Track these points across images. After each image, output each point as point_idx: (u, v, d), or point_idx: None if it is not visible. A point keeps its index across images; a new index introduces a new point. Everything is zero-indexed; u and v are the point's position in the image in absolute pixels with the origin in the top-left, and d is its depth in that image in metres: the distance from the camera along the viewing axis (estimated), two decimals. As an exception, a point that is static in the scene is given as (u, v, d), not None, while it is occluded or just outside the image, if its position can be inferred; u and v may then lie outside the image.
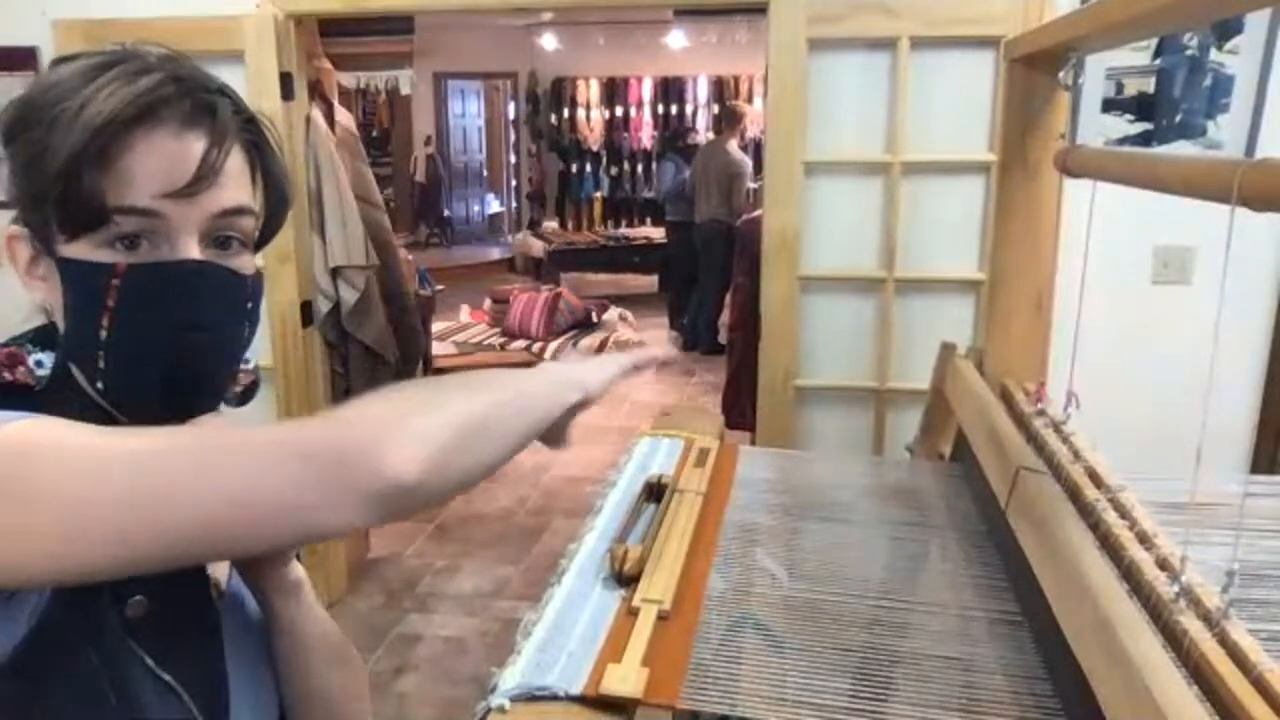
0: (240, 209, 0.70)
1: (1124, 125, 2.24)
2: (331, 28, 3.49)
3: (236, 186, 0.69)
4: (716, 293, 6.23)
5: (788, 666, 1.06)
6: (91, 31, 2.45)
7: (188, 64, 0.70)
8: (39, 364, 0.70)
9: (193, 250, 0.68)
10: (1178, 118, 2.20)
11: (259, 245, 0.74)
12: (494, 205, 11.89)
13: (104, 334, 0.67)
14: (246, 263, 0.72)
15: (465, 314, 6.94)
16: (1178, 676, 0.74)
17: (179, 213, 0.66)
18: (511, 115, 11.45)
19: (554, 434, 0.78)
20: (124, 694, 0.64)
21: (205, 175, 0.66)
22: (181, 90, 0.66)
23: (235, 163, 0.69)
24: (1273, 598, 0.92)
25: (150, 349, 0.68)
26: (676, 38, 9.56)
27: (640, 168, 10.36)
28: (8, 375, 0.69)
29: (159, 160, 0.65)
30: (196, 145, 0.66)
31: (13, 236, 0.70)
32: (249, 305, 0.73)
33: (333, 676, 0.82)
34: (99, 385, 0.69)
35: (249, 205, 0.71)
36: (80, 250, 0.66)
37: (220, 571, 0.79)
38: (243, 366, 0.77)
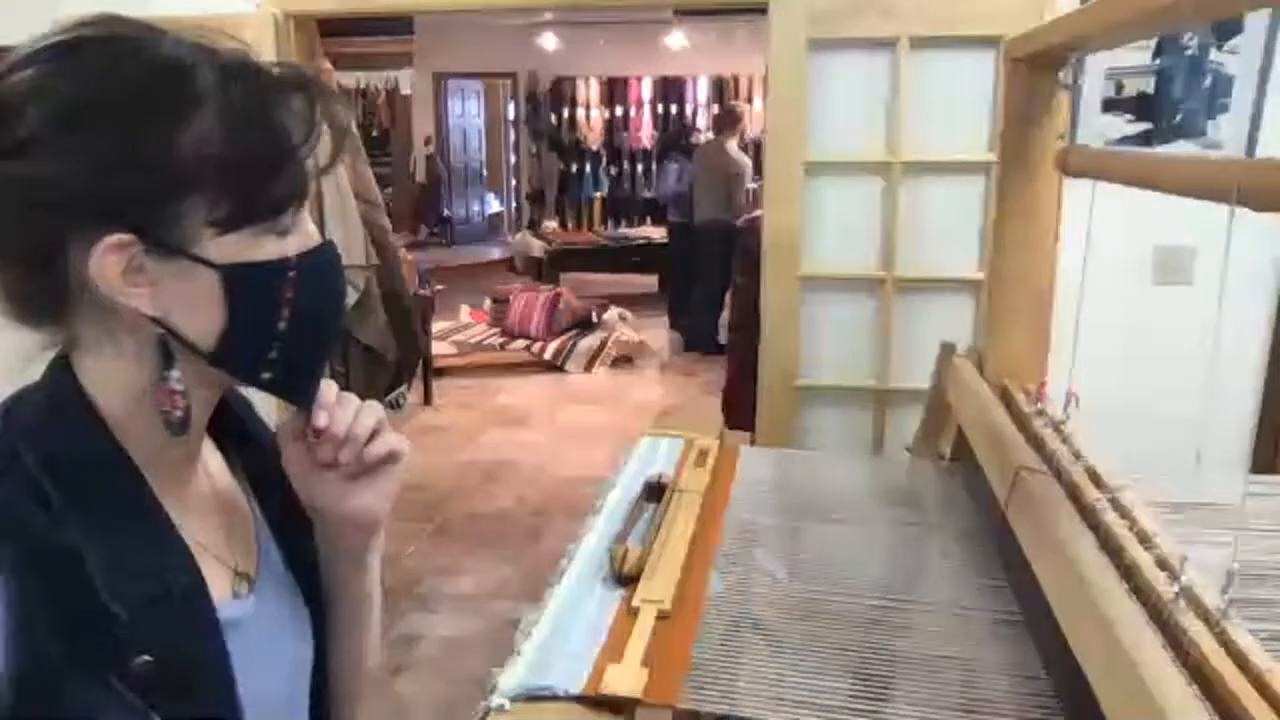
0: None
1: (1124, 125, 2.24)
2: (331, 28, 3.49)
3: None
4: (717, 293, 6.23)
5: (787, 666, 1.06)
6: (91, 31, 2.44)
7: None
8: (178, 381, 0.67)
9: (313, 225, 0.70)
10: (1178, 118, 2.20)
11: None
12: (494, 205, 11.90)
13: (282, 325, 0.66)
14: None
15: (465, 314, 6.94)
16: (1178, 676, 0.74)
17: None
18: (511, 115, 11.45)
19: None
20: None
21: (334, 157, 0.71)
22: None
23: None
24: (1273, 598, 0.92)
25: (323, 328, 0.71)
26: (676, 38, 9.57)
27: (640, 168, 10.36)
28: (179, 413, 0.66)
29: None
30: (321, 131, 0.69)
31: (121, 244, 0.61)
32: None
33: (371, 643, 0.88)
34: (265, 376, 0.69)
35: None
36: (234, 244, 0.64)
37: (244, 561, 0.77)
38: None
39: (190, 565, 0.68)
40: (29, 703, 0.57)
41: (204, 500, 0.75)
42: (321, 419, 0.72)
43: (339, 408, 0.73)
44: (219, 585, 0.72)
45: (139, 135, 0.60)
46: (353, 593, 0.84)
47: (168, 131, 0.60)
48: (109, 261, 0.61)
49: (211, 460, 0.79)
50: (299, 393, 0.72)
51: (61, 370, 0.66)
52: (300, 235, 0.68)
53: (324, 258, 0.69)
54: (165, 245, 0.62)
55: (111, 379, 0.66)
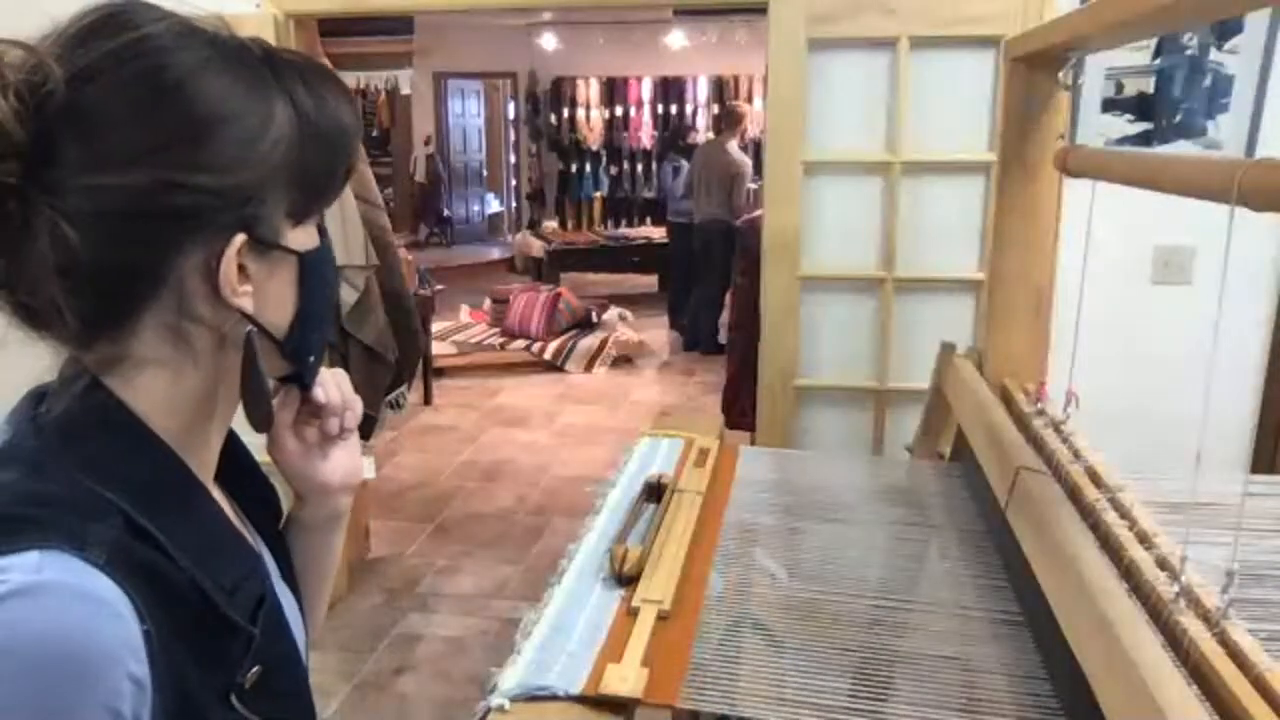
0: None
1: (1124, 125, 2.24)
2: (331, 28, 3.49)
3: None
4: (717, 293, 6.23)
5: (787, 666, 1.06)
6: (91, 31, 2.44)
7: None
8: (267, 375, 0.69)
9: None
10: (1178, 118, 2.20)
11: None
12: (494, 205, 11.89)
13: (327, 306, 0.71)
14: None
15: (465, 314, 6.94)
16: (1178, 676, 0.74)
17: None
18: (511, 115, 11.45)
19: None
20: None
21: None
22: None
23: None
24: (1273, 598, 0.92)
25: (335, 302, 0.74)
26: (676, 37, 9.56)
27: (640, 168, 10.36)
28: (268, 406, 0.70)
29: None
30: None
31: (239, 248, 0.60)
32: None
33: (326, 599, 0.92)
34: (311, 359, 0.71)
35: None
36: (302, 232, 0.66)
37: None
38: None
39: (264, 565, 0.71)
40: None
41: (219, 491, 0.76)
42: (327, 394, 0.76)
43: (327, 383, 0.77)
44: None
45: (248, 134, 0.60)
46: (328, 554, 0.87)
47: (265, 125, 0.60)
48: (233, 263, 0.60)
49: None
50: (315, 373, 0.74)
51: (99, 392, 0.61)
52: None
53: (326, 235, 0.71)
54: (265, 242, 0.62)
55: (172, 392, 0.63)
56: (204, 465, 0.68)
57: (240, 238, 0.60)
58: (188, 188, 0.57)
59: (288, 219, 0.64)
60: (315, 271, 0.67)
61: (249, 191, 0.60)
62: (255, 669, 0.62)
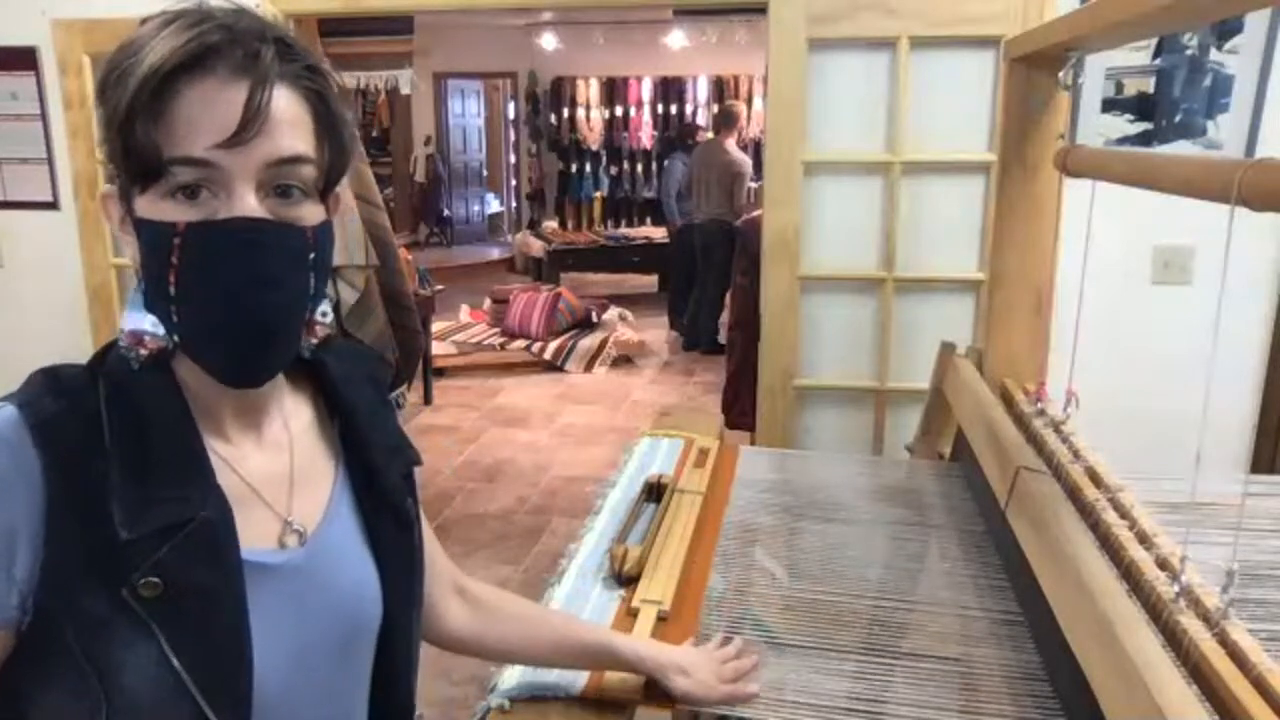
0: (296, 158, 0.69)
1: (1124, 125, 2.24)
2: (331, 28, 3.48)
3: (291, 135, 0.69)
4: (717, 293, 6.23)
5: (787, 667, 1.06)
6: (91, 31, 2.45)
7: (247, 14, 0.70)
8: (156, 324, 0.72)
9: (249, 200, 0.67)
10: (1178, 118, 2.20)
11: (324, 194, 0.74)
12: (494, 205, 11.88)
13: (172, 290, 0.68)
14: (309, 212, 0.71)
15: (465, 314, 6.94)
16: (1178, 676, 0.74)
17: (232, 162, 0.66)
18: (511, 115, 11.45)
19: None
20: (112, 676, 0.65)
21: (249, 123, 0.66)
22: (231, 38, 0.67)
23: (290, 110, 0.69)
24: (1273, 598, 0.92)
25: (213, 305, 0.68)
26: (676, 37, 9.56)
27: (640, 168, 10.35)
28: (144, 351, 0.72)
29: (208, 110, 0.65)
30: (244, 94, 0.66)
31: (106, 195, 0.73)
32: (311, 256, 0.72)
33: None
34: (175, 338, 0.71)
35: (305, 154, 0.70)
36: (147, 204, 0.68)
37: (307, 517, 0.78)
38: (320, 319, 0.78)
39: (218, 505, 0.71)
40: (53, 592, 0.66)
41: (273, 452, 0.78)
42: None
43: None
44: (262, 532, 0.75)
45: (104, 109, 0.68)
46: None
47: (110, 104, 0.67)
48: (109, 207, 0.72)
49: (297, 419, 0.81)
50: (237, 377, 0.72)
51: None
52: (209, 209, 0.67)
53: (220, 234, 0.67)
54: (125, 199, 0.70)
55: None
56: (216, 404, 0.74)
57: (109, 186, 0.72)
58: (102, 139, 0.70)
59: (131, 185, 0.69)
60: (145, 240, 0.69)
61: (106, 148, 0.69)
62: (151, 579, 0.66)
